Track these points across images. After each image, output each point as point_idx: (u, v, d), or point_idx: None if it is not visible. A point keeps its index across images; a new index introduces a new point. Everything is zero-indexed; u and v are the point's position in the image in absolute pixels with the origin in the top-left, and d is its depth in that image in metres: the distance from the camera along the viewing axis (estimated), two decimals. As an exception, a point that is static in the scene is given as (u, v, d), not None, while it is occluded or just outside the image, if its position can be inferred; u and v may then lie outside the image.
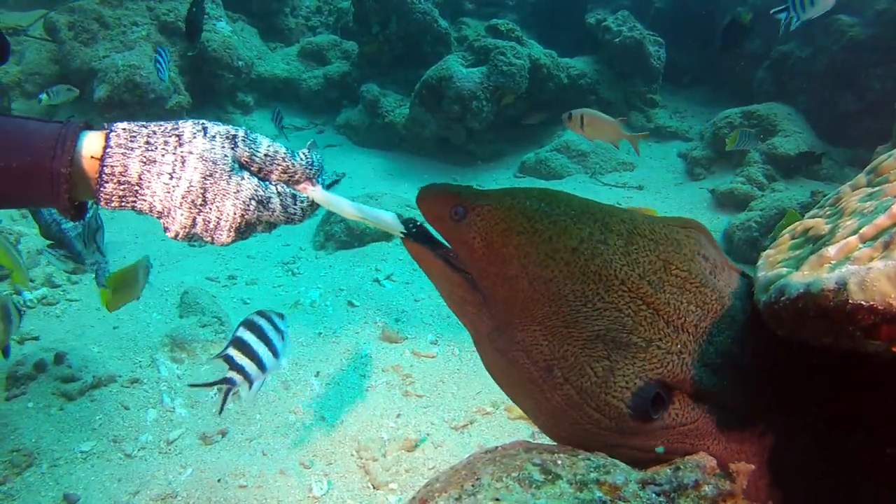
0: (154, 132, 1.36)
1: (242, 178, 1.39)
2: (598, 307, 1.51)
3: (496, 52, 7.78)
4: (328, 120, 9.34)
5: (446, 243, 1.71)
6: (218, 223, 1.37)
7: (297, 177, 1.49)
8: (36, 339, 4.31)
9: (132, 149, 1.34)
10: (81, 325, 4.54)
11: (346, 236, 6.02)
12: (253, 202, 1.39)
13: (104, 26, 7.75)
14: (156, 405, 3.80)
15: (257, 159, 1.43)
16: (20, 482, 3.24)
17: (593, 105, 8.78)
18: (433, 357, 4.33)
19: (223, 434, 3.58)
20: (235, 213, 1.37)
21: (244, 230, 1.41)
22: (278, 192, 1.45)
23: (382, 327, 4.61)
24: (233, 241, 1.42)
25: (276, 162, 1.45)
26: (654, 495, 1.29)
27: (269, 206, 1.42)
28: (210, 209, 1.36)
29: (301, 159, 1.50)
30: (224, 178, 1.36)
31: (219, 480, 3.23)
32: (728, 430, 1.63)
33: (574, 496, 1.28)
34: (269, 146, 1.46)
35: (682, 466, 1.36)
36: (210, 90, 8.39)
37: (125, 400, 3.80)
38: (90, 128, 1.38)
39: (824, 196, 1.99)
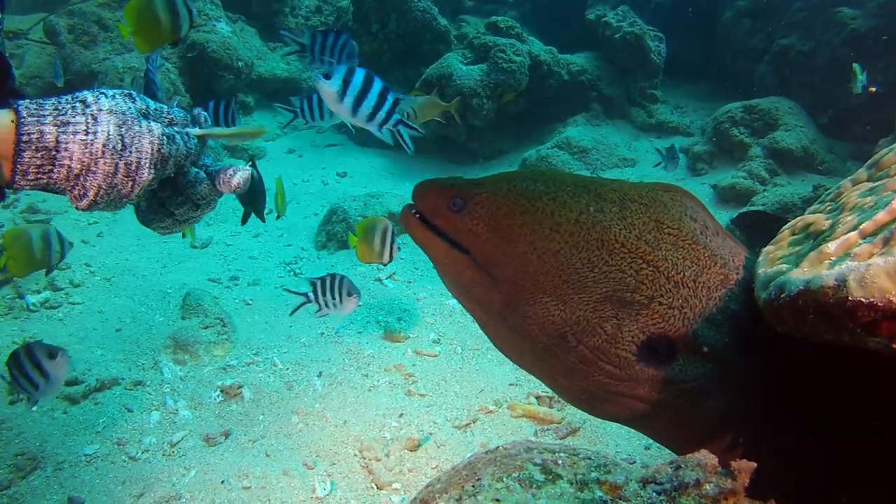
0: (59, 100, 1.45)
1: (149, 122, 1.52)
2: (603, 270, 1.60)
3: (496, 49, 7.77)
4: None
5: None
6: (139, 163, 1.47)
7: (177, 124, 1.63)
8: (39, 342, 4.31)
9: (43, 115, 1.41)
10: (84, 328, 4.55)
11: (347, 236, 6.02)
12: (164, 137, 1.51)
13: (104, 29, 7.75)
14: (159, 407, 3.80)
15: (150, 111, 1.57)
16: (25, 486, 3.25)
17: (595, 101, 8.77)
18: (435, 356, 4.32)
19: (226, 435, 3.58)
20: (153, 149, 1.49)
21: (160, 167, 1.52)
22: (176, 132, 1.59)
23: (384, 326, 4.61)
24: (151, 180, 1.51)
25: (162, 113, 1.60)
26: (654, 494, 1.29)
27: (175, 141, 1.56)
28: (130, 152, 1.46)
29: (177, 111, 1.67)
30: (136, 123, 1.48)
31: (222, 482, 3.23)
32: (731, 395, 1.67)
33: (575, 496, 1.27)
34: (154, 102, 1.62)
35: (682, 465, 1.36)
36: (210, 91, 8.38)
37: (128, 402, 3.81)
38: None
39: (826, 190, 1.99)
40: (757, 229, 4.95)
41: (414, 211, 1.79)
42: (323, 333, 4.59)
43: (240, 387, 3.93)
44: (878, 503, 1.61)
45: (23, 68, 7.59)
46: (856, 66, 6.22)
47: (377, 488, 3.24)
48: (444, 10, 9.15)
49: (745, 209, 5.59)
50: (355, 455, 3.44)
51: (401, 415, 3.73)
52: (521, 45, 7.99)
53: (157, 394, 3.91)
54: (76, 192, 1.45)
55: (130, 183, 1.48)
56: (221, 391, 3.91)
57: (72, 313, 4.75)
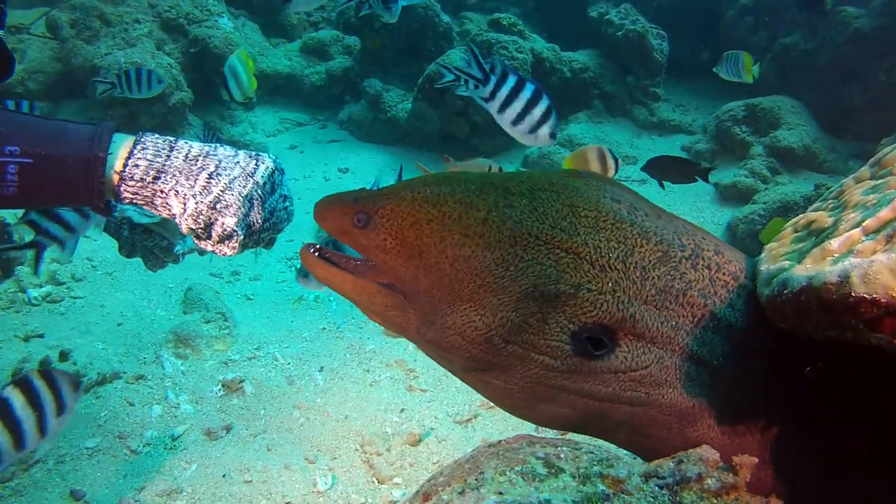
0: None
1: None
2: (519, 267, 1.53)
3: (498, 46, 7.77)
4: (331, 115, 9.33)
5: (356, 255, 1.69)
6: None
7: None
8: (41, 336, 4.32)
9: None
10: (86, 322, 4.55)
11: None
12: None
13: (106, 23, 7.74)
14: (160, 401, 3.81)
15: None
16: (27, 479, 3.25)
17: (596, 98, 8.77)
18: (437, 352, 4.33)
19: (228, 429, 3.59)
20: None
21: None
22: None
23: (386, 322, 4.61)
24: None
25: None
26: (657, 488, 1.30)
27: None
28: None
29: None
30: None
31: (224, 476, 3.24)
32: (691, 383, 1.60)
33: (577, 490, 1.28)
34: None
35: (684, 459, 1.36)
36: (212, 87, 8.37)
37: (130, 396, 3.81)
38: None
39: (828, 189, 1.99)
40: (666, 173, 5.06)
41: (312, 250, 1.71)
42: (324, 328, 4.60)
43: (241, 381, 3.94)
44: (878, 499, 1.61)
45: (25, 63, 7.59)
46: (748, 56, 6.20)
47: (378, 482, 3.25)
48: (447, 7, 9.14)
49: (653, 156, 5.59)
50: (356, 449, 3.45)
51: (402, 410, 3.74)
52: (524, 42, 7.99)
53: (158, 388, 3.92)
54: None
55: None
56: (223, 385, 3.92)
57: (73, 307, 4.75)
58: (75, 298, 4.85)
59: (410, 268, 1.58)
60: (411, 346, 4.40)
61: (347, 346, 4.36)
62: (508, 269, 1.53)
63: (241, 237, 1.58)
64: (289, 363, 4.19)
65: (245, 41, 8.95)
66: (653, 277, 1.57)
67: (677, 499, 1.28)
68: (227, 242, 1.58)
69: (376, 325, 4.72)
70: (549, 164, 7.88)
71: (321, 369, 4.11)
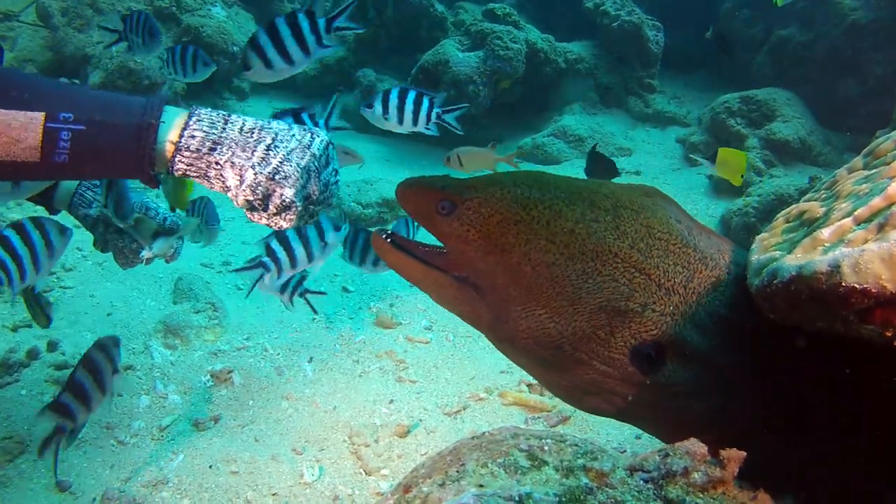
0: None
1: None
2: (597, 281, 1.58)
3: (493, 36, 7.72)
4: (324, 106, 9.27)
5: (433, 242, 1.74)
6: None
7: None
8: (29, 326, 4.27)
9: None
10: (75, 312, 4.51)
11: (340, 222, 5.99)
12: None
13: (98, 12, 7.68)
14: (149, 392, 3.77)
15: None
16: (13, 469, 3.22)
17: (591, 90, 8.73)
18: (427, 343, 4.31)
19: (215, 420, 3.56)
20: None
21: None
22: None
23: (377, 313, 4.59)
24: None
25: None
26: (641, 482, 1.27)
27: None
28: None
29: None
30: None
31: (210, 466, 3.22)
32: (719, 396, 1.65)
33: (560, 483, 1.25)
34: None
35: (671, 453, 1.34)
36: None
37: (118, 387, 3.77)
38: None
39: (822, 181, 1.97)
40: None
41: (384, 236, 1.73)
42: (314, 319, 4.56)
43: (230, 372, 3.91)
44: (871, 496, 1.60)
45: (15, 51, 7.52)
46: None
47: (366, 474, 3.23)
48: (442, -4, 9.09)
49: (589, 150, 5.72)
50: (344, 441, 3.42)
51: (391, 401, 3.72)
52: (519, 32, 7.94)
53: (147, 378, 3.88)
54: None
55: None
56: (212, 376, 3.88)
57: (63, 297, 4.71)
58: (65, 288, 4.80)
59: (489, 264, 1.61)
60: (402, 336, 4.37)
61: (337, 336, 4.34)
62: (587, 282, 1.57)
63: (299, 209, 1.55)
64: (278, 354, 4.16)
65: (238, 30, 8.88)
66: (705, 303, 1.64)
67: (662, 493, 1.25)
68: (284, 214, 1.55)
69: (366, 316, 4.68)
70: (543, 154, 7.84)
71: (310, 360, 4.09)
